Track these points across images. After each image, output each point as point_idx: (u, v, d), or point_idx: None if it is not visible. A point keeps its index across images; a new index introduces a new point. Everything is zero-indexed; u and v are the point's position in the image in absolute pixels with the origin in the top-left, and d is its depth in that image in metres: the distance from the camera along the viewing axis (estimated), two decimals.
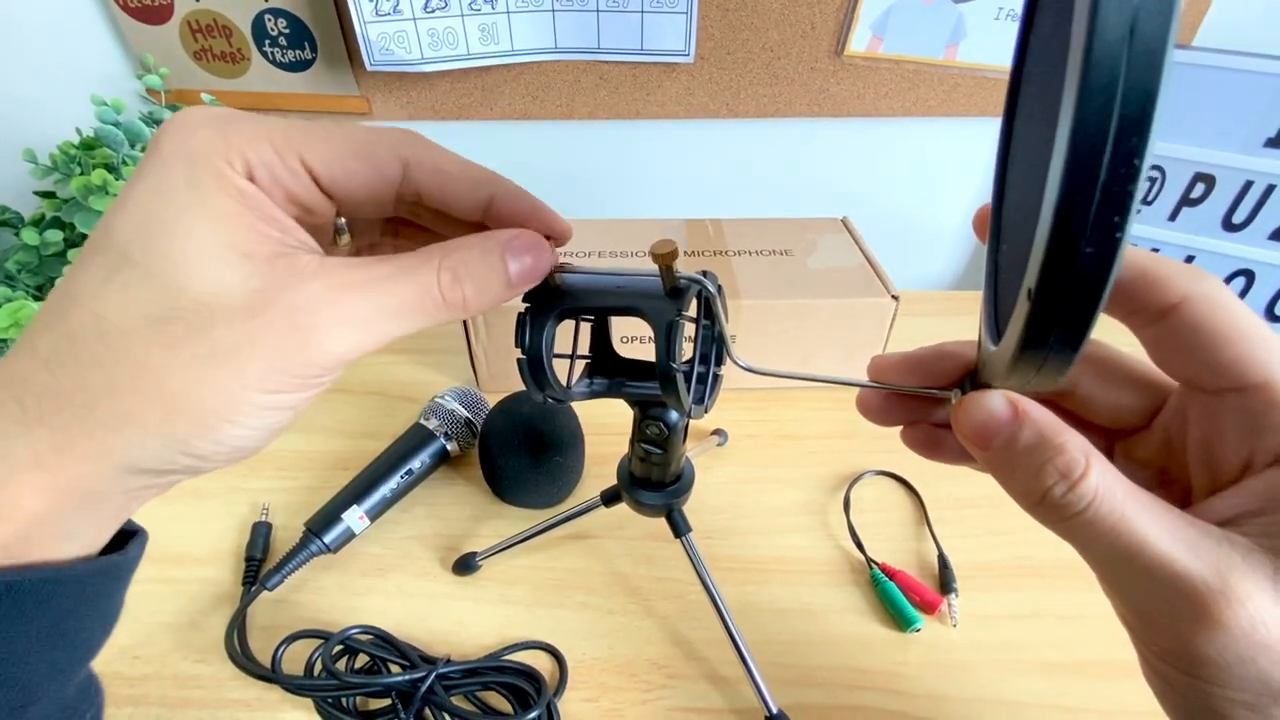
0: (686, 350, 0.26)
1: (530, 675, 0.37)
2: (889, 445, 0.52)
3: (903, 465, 0.51)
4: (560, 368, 0.27)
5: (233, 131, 0.19)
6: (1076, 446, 0.17)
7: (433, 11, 0.64)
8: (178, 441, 0.18)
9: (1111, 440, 0.23)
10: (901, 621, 0.40)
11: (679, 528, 0.38)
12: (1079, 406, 0.23)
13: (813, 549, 0.46)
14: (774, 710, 0.36)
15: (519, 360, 0.26)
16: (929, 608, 0.41)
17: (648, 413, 0.31)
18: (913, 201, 0.81)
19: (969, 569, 0.43)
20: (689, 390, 0.26)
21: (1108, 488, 0.17)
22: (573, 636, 0.40)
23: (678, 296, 0.24)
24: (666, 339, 0.24)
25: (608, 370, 0.30)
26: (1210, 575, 0.16)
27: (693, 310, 0.25)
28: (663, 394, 0.25)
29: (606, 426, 0.50)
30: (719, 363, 0.29)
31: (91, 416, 0.18)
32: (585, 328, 0.29)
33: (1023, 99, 0.19)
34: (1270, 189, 0.68)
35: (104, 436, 0.18)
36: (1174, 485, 0.21)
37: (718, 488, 0.49)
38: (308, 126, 0.20)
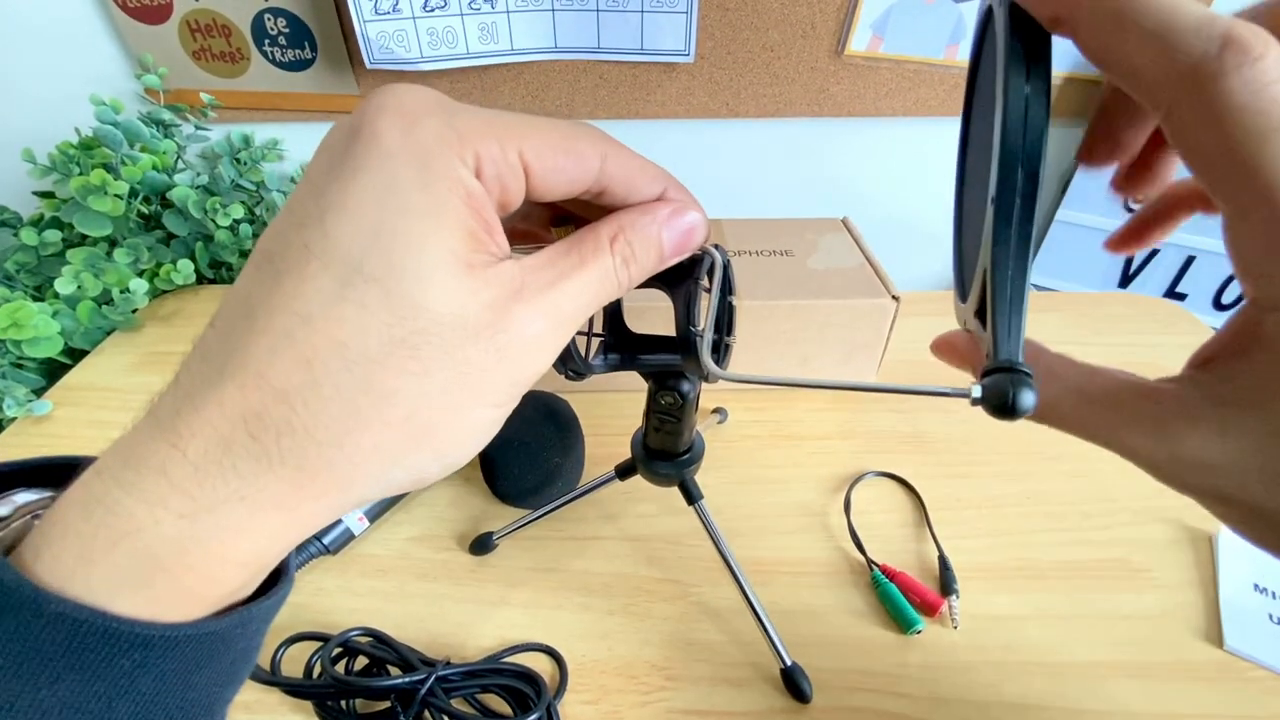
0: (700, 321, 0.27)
1: (530, 677, 0.37)
2: (889, 446, 0.53)
3: (903, 466, 0.51)
4: (579, 344, 0.29)
5: (461, 123, 0.17)
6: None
7: (432, 10, 0.64)
8: (418, 470, 0.18)
9: None
10: (902, 623, 0.40)
11: (692, 495, 0.40)
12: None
13: (813, 550, 0.46)
14: (789, 662, 0.38)
15: None
16: (930, 609, 0.41)
17: (662, 384, 0.33)
18: (913, 201, 0.81)
19: (970, 570, 0.43)
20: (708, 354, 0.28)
21: None
22: (572, 638, 0.40)
23: (694, 267, 0.25)
24: (686, 306, 0.25)
25: (622, 346, 0.31)
26: None
27: (706, 281, 0.27)
28: (682, 360, 0.27)
29: (605, 427, 0.50)
30: (729, 332, 0.31)
31: (338, 454, 0.16)
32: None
33: (974, 116, 0.22)
34: None
35: (348, 473, 0.16)
36: None
37: (717, 489, 0.48)
38: (521, 118, 0.18)
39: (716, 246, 0.26)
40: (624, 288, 0.20)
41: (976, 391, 0.17)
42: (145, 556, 0.15)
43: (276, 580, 0.19)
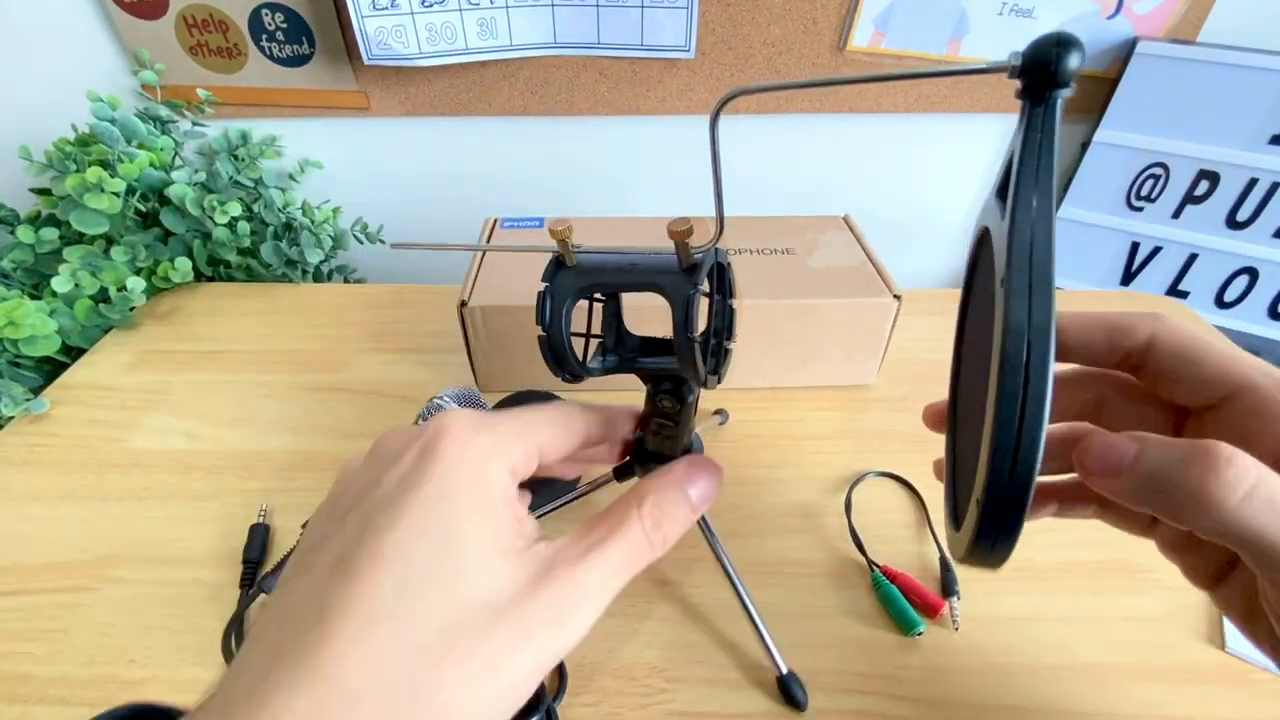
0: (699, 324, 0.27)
1: None
2: (890, 446, 0.52)
3: (904, 466, 0.50)
4: (576, 346, 0.29)
5: (501, 432, 0.21)
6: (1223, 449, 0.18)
7: (430, 6, 0.64)
8: None
9: (1183, 417, 0.24)
10: (903, 625, 0.40)
11: None
12: (1158, 384, 0.24)
13: (813, 551, 0.45)
14: (784, 670, 0.37)
15: (539, 337, 0.27)
16: (931, 611, 0.41)
17: (660, 387, 0.32)
18: (915, 199, 0.80)
19: (970, 571, 0.43)
20: (705, 361, 0.27)
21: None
22: None
23: (693, 271, 0.25)
24: (685, 312, 0.25)
25: (620, 348, 0.31)
26: None
27: (705, 286, 0.26)
28: (679, 366, 0.26)
29: None
30: (729, 336, 0.30)
31: None
32: (597, 308, 0.30)
33: (970, 312, 0.23)
34: (1275, 187, 0.67)
35: None
36: None
37: None
38: (537, 418, 0.23)
39: (716, 249, 0.26)
40: (657, 548, 0.23)
41: (1016, 60, 0.16)
42: None
43: None
